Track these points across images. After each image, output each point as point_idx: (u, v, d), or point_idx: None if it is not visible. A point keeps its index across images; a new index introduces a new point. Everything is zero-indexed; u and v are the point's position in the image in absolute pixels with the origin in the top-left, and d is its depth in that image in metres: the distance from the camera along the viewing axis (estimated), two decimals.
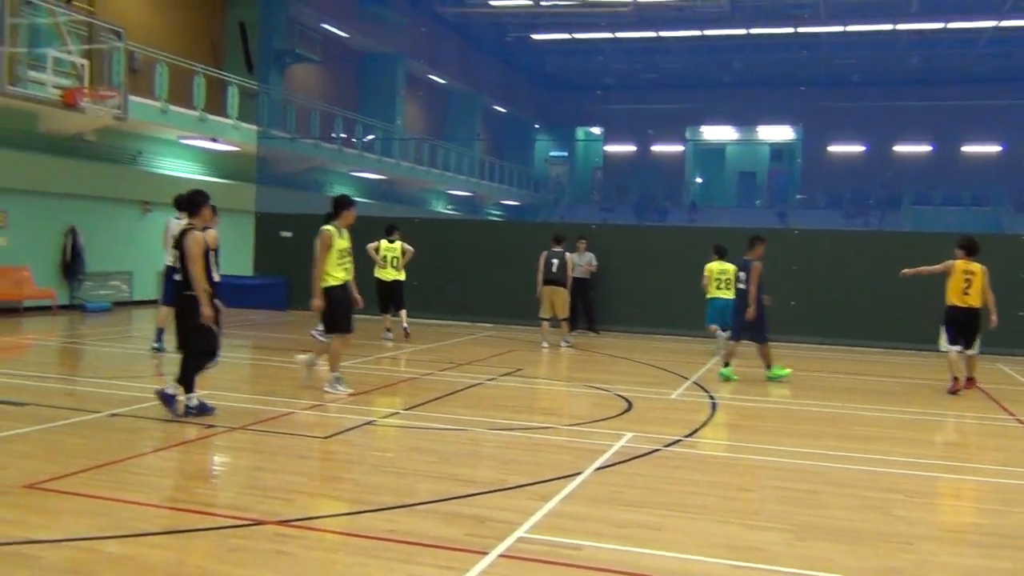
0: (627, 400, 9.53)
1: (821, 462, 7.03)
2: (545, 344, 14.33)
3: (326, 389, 9.23)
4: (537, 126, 49.22)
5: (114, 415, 7.80)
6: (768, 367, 11.47)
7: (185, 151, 21.89)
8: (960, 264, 10.76)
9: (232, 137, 21.72)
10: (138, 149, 20.50)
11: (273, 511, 5.22)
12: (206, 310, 7.71)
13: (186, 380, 7.85)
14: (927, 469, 6.98)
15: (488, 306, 18.31)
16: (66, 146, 18.28)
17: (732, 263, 13.48)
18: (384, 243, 14.25)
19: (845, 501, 5.93)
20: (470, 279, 18.57)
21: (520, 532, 4.96)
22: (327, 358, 9.49)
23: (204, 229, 8.01)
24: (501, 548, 4.68)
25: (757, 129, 47.88)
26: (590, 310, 16.87)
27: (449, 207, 38.06)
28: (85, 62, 13.78)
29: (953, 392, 10.70)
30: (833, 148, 45.02)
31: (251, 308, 19.20)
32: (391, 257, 14.29)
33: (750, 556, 4.72)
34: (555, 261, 14.42)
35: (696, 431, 8.09)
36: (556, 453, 7.15)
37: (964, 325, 10.70)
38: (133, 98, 18.13)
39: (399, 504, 5.47)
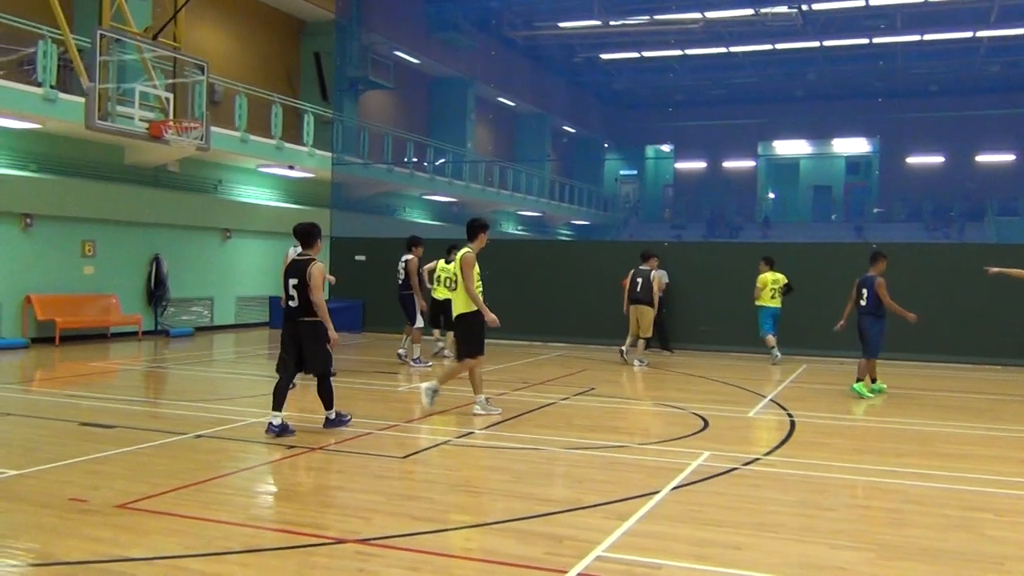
0: (703, 418, 9.44)
1: (904, 480, 6.85)
2: (638, 362, 14.37)
3: (477, 412, 9.33)
4: (606, 145, 49.14)
5: (199, 436, 8.03)
6: (860, 379, 11.39)
7: (263, 179, 22.48)
8: None
9: (308, 164, 22.23)
10: (219, 178, 21.13)
11: (353, 530, 5.32)
12: (334, 334, 8.31)
13: (330, 396, 8.45)
14: (1016, 488, 6.75)
15: (560, 325, 18.33)
16: (150, 177, 18.98)
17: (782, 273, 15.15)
18: (441, 263, 14.35)
19: (929, 520, 5.78)
20: (541, 299, 18.62)
21: (598, 551, 4.95)
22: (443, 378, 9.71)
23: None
24: (580, 567, 4.68)
25: (832, 142, 47.01)
26: (663, 328, 16.75)
27: (520, 228, 38.23)
28: (170, 95, 14.30)
29: None
30: (911, 160, 43.92)
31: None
32: (444, 277, 14.41)
33: (832, 575, 4.64)
34: (640, 280, 14.48)
35: (774, 449, 7.97)
36: (632, 472, 7.11)
37: None
38: (214, 129, 18.70)
39: (476, 523, 5.52)
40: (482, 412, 9.34)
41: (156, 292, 19.05)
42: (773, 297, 15.23)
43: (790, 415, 9.82)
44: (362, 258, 20.51)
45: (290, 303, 8.29)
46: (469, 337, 9.37)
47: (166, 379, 13.08)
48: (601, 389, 11.71)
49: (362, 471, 6.94)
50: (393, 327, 18.94)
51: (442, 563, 4.76)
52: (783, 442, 8.33)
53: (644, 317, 14.44)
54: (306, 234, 8.47)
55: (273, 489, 6.54)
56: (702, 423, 9.20)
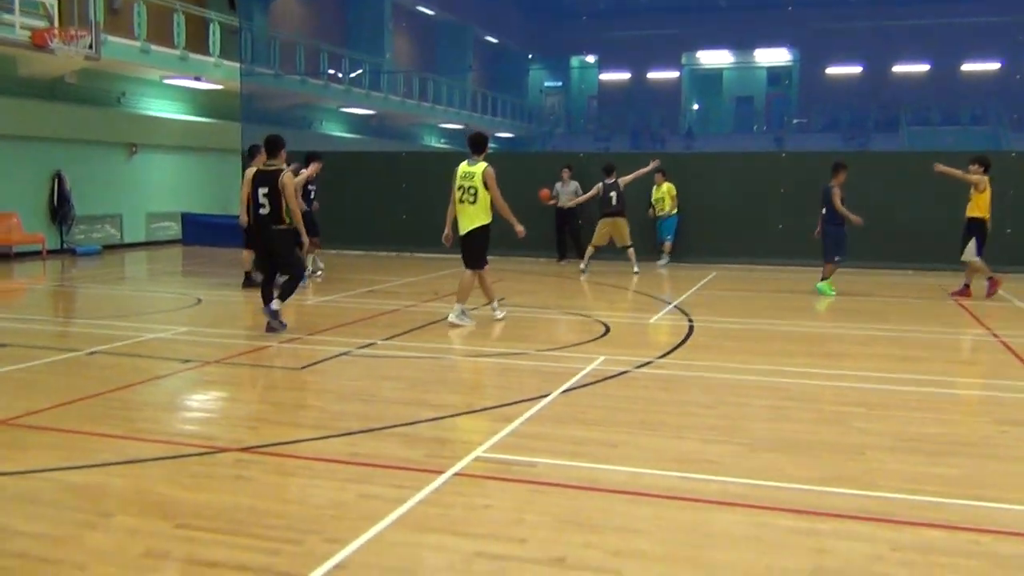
0: (606, 325, 9.60)
1: (789, 379, 7.11)
2: (585, 274, 14.62)
3: (452, 320, 9.45)
4: (530, 56, 48.50)
5: (92, 353, 7.90)
6: (824, 279, 12.42)
7: (169, 91, 21.68)
8: (987, 179, 11.69)
9: (215, 75, 21.49)
10: (121, 91, 20.32)
11: (237, 439, 5.33)
12: (306, 239, 9.12)
13: (287, 296, 8.96)
14: (893, 383, 7.06)
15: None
16: (47, 89, 18.14)
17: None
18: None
19: (805, 415, 6.03)
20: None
21: (478, 452, 5.06)
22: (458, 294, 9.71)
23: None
24: (457, 467, 4.78)
25: (754, 53, 47.18)
26: (577, 239, 16.90)
27: (442, 140, 37.78)
28: (53, 2, 13.58)
29: (991, 294, 11.98)
30: (830, 70, 44.37)
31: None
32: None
33: (700, 468, 4.82)
34: (613, 194, 14.68)
35: (669, 353, 8.17)
36: (526, 377, 7.24)
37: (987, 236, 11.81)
38: (113, 38, 17.92)
39: (363, 429, 5.57)
40: (458, 322, 9.47)
41: (60, 209, 18.43)
42: (672, 207, 16.50)
43: (690, 320, 10.06)
44: None
45: (260, 211, 8.79)
46: (482, 249, 9.55)
47: (68, 298, 12.76)
48: (510, 299, 11.80)
49: (255, 383, 6.93)
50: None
51: (322, 467, 4.81)
52: (678, 346, 8.54)
53: (623, 229, 14.80)
54: (273, 144, 8.97)
55: (161, 402, 6.49)
56: (604, 329, 9.36)
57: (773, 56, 46.92)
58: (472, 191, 9.34)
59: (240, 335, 9.13)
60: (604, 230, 14.78)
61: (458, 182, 9.42)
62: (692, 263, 16.64)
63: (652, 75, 47.11)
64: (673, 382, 7.05)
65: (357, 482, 4.56)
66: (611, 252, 16.35)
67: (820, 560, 3.67)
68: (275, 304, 8.80)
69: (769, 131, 43.05)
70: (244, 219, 11.34)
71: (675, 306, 11.24)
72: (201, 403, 6.54)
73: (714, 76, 48.29)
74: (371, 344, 8.45)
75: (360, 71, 30.24)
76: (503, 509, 4.20)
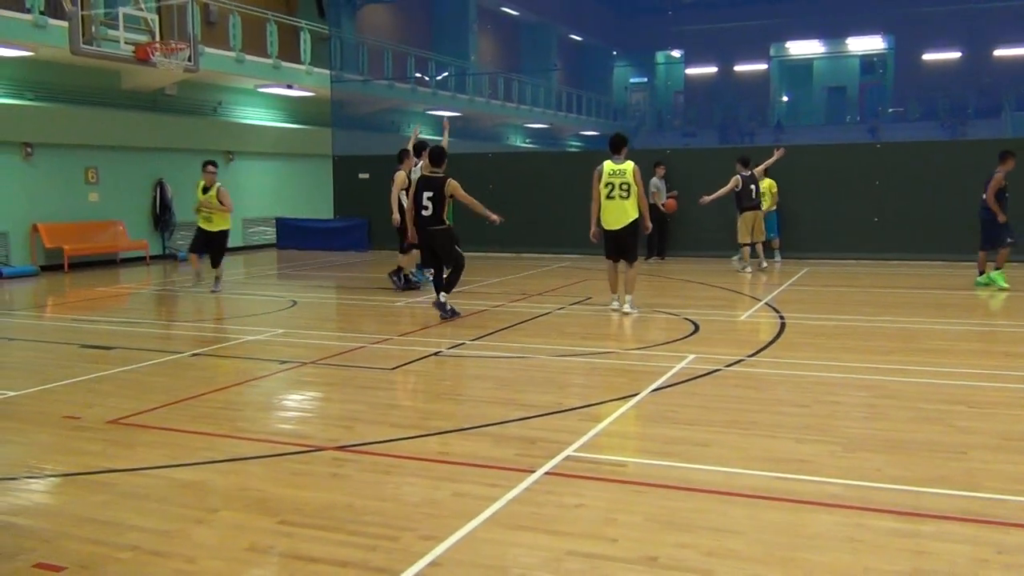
0: (694, 323, 9.52)
1: (884, 376, 6.93)
2: (749, 269, 14.66)
3: (627, 310, 10.18)
4: (615, 52, 48.22)
5: (195, 355, 8.21)
6: (997, 268, 12.06)
7: (263, 99, 22.33)
8: None
9: (306, 82, 22.02)
10: (218, 100, 21.01)
11: (332, 438, 5.48)
12: (494, 216, 10.19)
13: (451, 287, 10.07)
14: (995, 380, 6.82)
15: (569, 238, 18.29)
16: (149, 101, 18.90)
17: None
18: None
19: (901, 414, 5.87)
20: (550, 212, 18.57)
21: (569, 451, 5.09)
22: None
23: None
24: (548, 466, 4.82)
25: (846, 41, 45.89)
26: (666, 235, 16.82)
27: (527, 140, 37.89)
28: (155, 17, 14.14)
29: None
30: (927, 56, 42.85)
31: (333, 250, 19.71)
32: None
33: (794, 468, 4.75)
34: (753, 186, 14.65)
35: (760, 351, 8.05)
36: (615, 376, 7.24)
37: None
38: (210, 50, 18.54)
39: (454, 428, 5.67)
40: (633, 311, 10.19)
41: (162, 217, 19.18)
42: (772, 204, 15.93)
43: (782, 317, 9.89)
44: (366, 176, 20.48)
45: (423, 212, 9.87)
46: (637, 242, 10.39)
47: (171, 302, 13.27)
48: (597, 298, 11.78)
49: (349, 383, 7.09)
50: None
51: (415, 466, 4.91)
52: (770, 343, 8.41)
53: (762, 222, 14.87)
54: (437, 155, 10.05)
55: (260, 402, 6.71)
56: (692, 328, 9.28)
57: (866, 44, 45.57)
58: (625, 187, 9.97)
59: (334, 336, 9.36)
60: (748, 224, 14.64)
61: (606, 179, 10.02)
62: (784, 258, 16.33)
63: (739, 68, 46.29)
64: (765, 381, 6.95)
65: (450, 480, 4.64)
66: (689, 248, 16.25)
67: (920, 563, 3.58)
68: (442, 296, 9.92)
69: (863, 121, 41.83)
70: (396, 218, 12.22)
71: (766, 303, 11.06)
72: (298, 403, 6.74)
73: (804, 66, 47.19)
74: (460, 344, 8.56)
75: (446, 73, 30.57)
76: (595, 508, 4.22)
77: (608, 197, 9.98)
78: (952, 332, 9.06)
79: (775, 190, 16.03)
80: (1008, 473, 4.66)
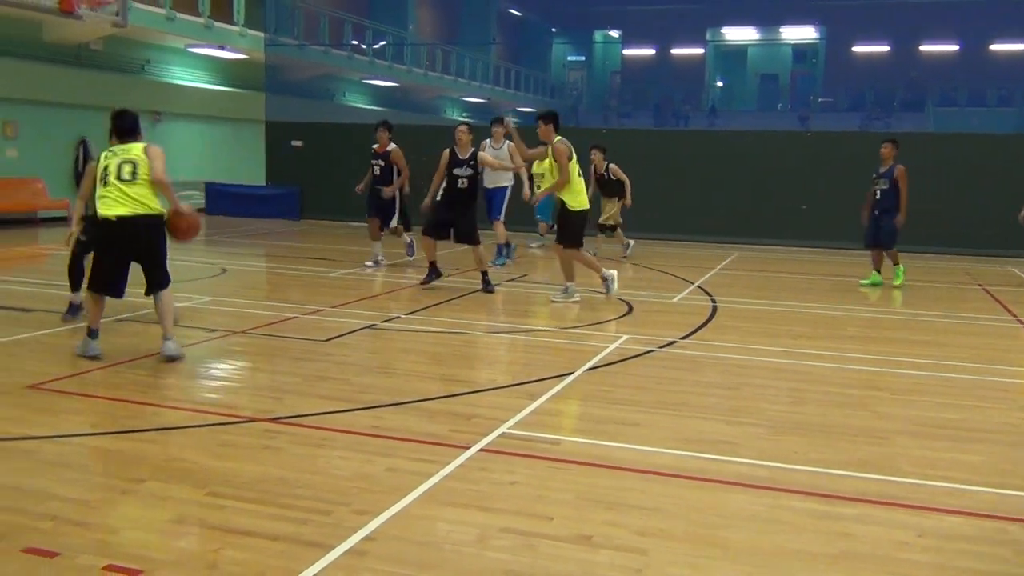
0: (628, 304, 9.61)
1: (811, 361, 7.11)
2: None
3: (556, 300, 9.53)
4: (554, 30, 48.16)
5: (120, 320, 7.98)
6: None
7: (193, 59, 21.71)
8: None
9: (240, 44, 21.50)
10: (146, 58, 20.37)
11: (265, 409, 5.39)
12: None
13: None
14: (917, 368, 7.05)
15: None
16: (72, 56, 18.21)
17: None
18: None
19: (826, 398, 6.03)
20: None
21: (503, 428, 5.09)
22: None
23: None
24: (483, 443, 4.82)
25: (780, 29, 46.64)
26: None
27: (464, 114, 37.66)
28: None
29: None
30: (857, 48, 43.80)
31: (264, 217, 19.33)
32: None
33: (719, 449, 4.84)
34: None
35: (692, 333, 8.17)
36: (549, 355, 7.27)
37: None
38: (137, 5, 17.94)
39: (387, 403, 5.62)
40: (559, 300, 9.55)
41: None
42: None
43: (713, 301, 10.05)
44: (299, 144, 20.08)
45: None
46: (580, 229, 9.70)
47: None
48: (532, 276, 11.82)
49: (280, 354, 6.99)
50: (331, 214, 18.80)
51: (348, 440, 4.86)
52: (701, 326, 8.54)
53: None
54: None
55: (188, 371, 6.55)
56: (627, 308, 9.37)
57: (799, 33, 46.36)
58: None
59: (265, 306, 9.20)
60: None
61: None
62: (714, 243, 16.60)
63: (676, 51, 46.69)
64: (696, 362, 7.06)
65: (383, 455, 4.61)
66: (647, 228, 16.40)
67: (844, 545, 3.69)
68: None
69: (794, 110, 42.63)
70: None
71: (698, 286, 11.22)
72: (227, 373, 6.60)
73: (739, 53, 47.82)
74: (395, 318, 8.50)
75: (384, 43, 30.15)
76: (528, 486, 4.23)
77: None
78: (876, 320, 9.33)
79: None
80: (927, 459, 4.82)
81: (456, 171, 10.15)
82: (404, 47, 31.36)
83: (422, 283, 10.23)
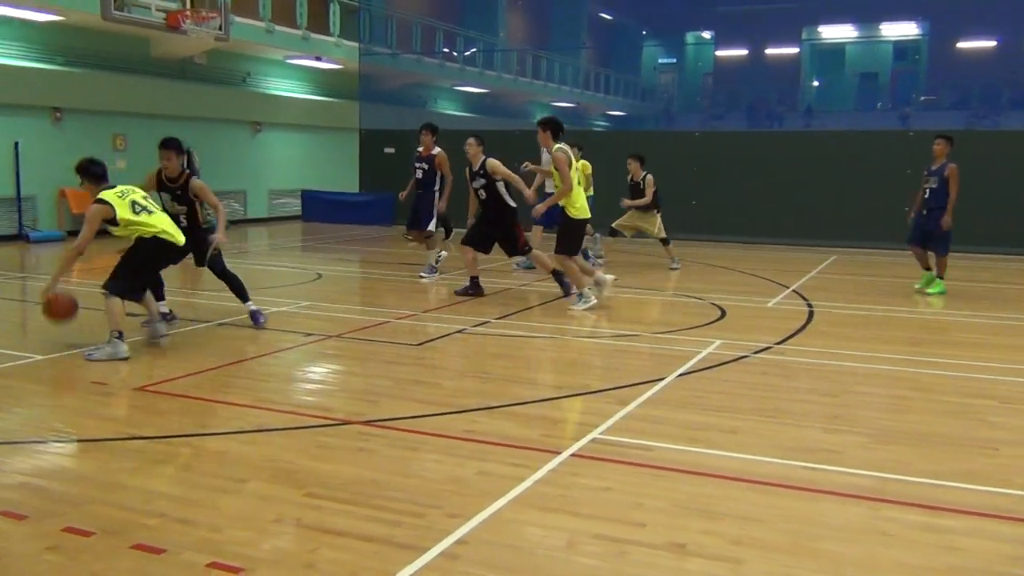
0: (721, 308, 9.45)
1: (914, 368, 6.86)
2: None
3: (573, 308, 9.21)
4: (644, 32, 47.76)
5: (221, 324, 8.25)
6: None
7: (291, 71, 22.30)
8: None
9: (335, 55, 21.96)
10: (247, 71, 21.00)
11: (359, 412, 5.49)
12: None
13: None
14: None
15: (592, 218, 18.15)
16: (178, 70, 18.91)
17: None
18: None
19: (932, 406, 5.81)
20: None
21: (594, 434, 5.06)
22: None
23: None
24: (574, 448, 4.80)
25: (880, 26, 45.25)
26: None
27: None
28: None
29: None
30: (962, 44, 42.17)
31: (358, 224, 19.72)
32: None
33: (821, 458, 4.71)
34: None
35: (788, 338, 7.98)
36: (641, 360, 7.20)
37: None
38: (239, 19, 18.51)
39: (480, 407, 5.65)
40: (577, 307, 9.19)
41: None
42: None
43: (810, 305, 9.80)
44: (391, 150, 20.43)
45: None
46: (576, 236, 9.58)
47: (197, 271, 13.27)
48: (623, 280, 11.73)
49: (374, 358, 7.10)
50: None
51: (441, 443, 4.91)
52: (798, 331, 8.33)
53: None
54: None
55: (286, 374, 6.73)
56: (720, 313, 9.22)
57: (900, 29, 44.91)
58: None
59: (359, 311, 9.37)
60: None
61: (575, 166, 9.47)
62: (811, 246, 16.21)
63: (770, 51, 45.75)
64: (793, 369, 6.89)
65: (475, 459, 4.63)
66: (715, 232, 16.17)
67: (950, 559, 3.54)
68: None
69: (894, 108, 41.31)
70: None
71: (793, 290, 10.97)
72: (323, 376, 6.75)
73: (836, 51, 46.62)
74: (485, 322, 8.55)
75: (474, 50, 30.42)
76: (621, 492, 4.20)
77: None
78: (983, 325, 8.95)
79: (589, 171, 13.72)
80: None
81: (474, 184, 10.17)
82: (494, 53, 31.57)
83: (457, 292, 10.15)
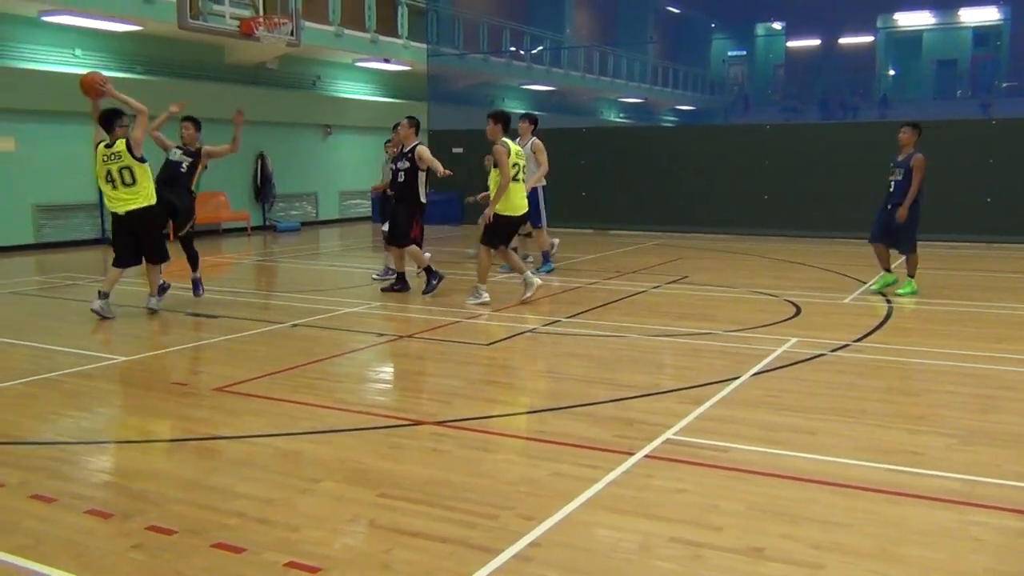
0: (796, 305, 9.26)
1: (1000, 366, 6.62)
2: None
3: (469, 301, 9.49)
4: (713, 25, 47.09)
5: (295, 325, 8.38)
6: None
7: (360, 73, 22.58)
8: None
9: (404, 57, 22.17)
10: (317, 74, 21.34)
11: (431, 412, 5.51)
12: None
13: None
14: None
15: (661, 214, 18.05)
16: (251, 75, 19.31)
17: None
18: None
19: (1021, 406, 5.59)
20: (643, 187, 18.33)
21: (668, 434, 4.99)
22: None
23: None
24: (647, 449, 4.74)
25: (958, 12, 43.84)
26: None
27: (621, 115, 37.45)
28: None
29: None
30: None
31: (427, 224, 19.78)
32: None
33: (907, 460, 4.56)
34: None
35: (866, 336, 7.78)
36: (714, 358, 7.09)
37: None
38: (309, 24, 18.79)
39: (552, 407, 5.63)
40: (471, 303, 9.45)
41: (262, 189, 19.64)
42: None
43: (888, 301, 9.54)
44: (460, 150, 20.52)
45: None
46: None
47: (271, 272, 13.58)
48: (694, 277, 11.59)
49: (447, 358, 7.13)
50: None
51: (513, 444, 4.90)
52: (876, 328, 8.12)
53: None
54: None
55: (359, 374, 6.80)
56: (794, 310, 9.03)
57: (980, 15, 43.44)
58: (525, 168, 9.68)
59: (429, 311, 9.42)
60: None
61: (513, 159, 9.38)
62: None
63: (844, 40, 44.68)
64: (873, 367, 6.71)
65: (548, 460, 4.60)
66: (789, 227, 15.84)
67: None
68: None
69: (975, 96, 39.99)
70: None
71: (871, 286, 10.69)
72: (396, 376, 6.80)
73: (913, 39, 45.30)
74: (556, 321, 8.52)
75: (541, 48, 30.38)
76: (697, 494, 4.13)
77: (515, 179, 9.41)
78: None
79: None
80: None
81: (398, 165, 10.45)
82: (561, 51, 31.50)
83: (383, 288, 10.57)
